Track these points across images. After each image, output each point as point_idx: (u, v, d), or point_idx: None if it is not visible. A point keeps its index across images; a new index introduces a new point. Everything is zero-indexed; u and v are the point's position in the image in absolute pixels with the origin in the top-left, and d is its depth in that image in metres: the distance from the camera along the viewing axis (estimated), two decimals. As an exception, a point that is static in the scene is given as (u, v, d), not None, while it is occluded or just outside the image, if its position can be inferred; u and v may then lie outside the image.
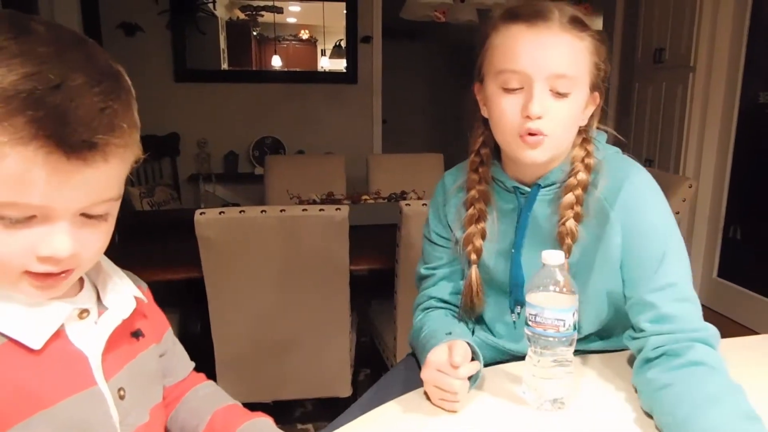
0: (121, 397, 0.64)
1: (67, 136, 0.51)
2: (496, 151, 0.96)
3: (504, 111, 0.86)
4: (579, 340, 0.91)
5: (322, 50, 4.18)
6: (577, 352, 0.83)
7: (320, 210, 1.58)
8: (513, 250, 0.94)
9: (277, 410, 0.77)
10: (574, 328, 0.78)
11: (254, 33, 4.00)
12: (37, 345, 0.57)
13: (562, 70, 0.83)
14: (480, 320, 1.04)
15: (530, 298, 0.79)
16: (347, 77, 4.00)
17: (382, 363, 2.02)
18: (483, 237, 0.96)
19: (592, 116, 0.93)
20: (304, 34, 4.18)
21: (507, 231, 0.95)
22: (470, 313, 1.00)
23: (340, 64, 4.04)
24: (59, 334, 0.59)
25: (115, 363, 0.64)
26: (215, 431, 0.73)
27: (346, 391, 1.84)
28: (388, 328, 1.90)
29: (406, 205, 1.64)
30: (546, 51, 0.83)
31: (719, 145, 3.10)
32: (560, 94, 0.84)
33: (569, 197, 0.89)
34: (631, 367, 0.87)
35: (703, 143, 3.15)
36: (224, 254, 1.58)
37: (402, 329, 1.78)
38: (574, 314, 0.78)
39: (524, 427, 0.77)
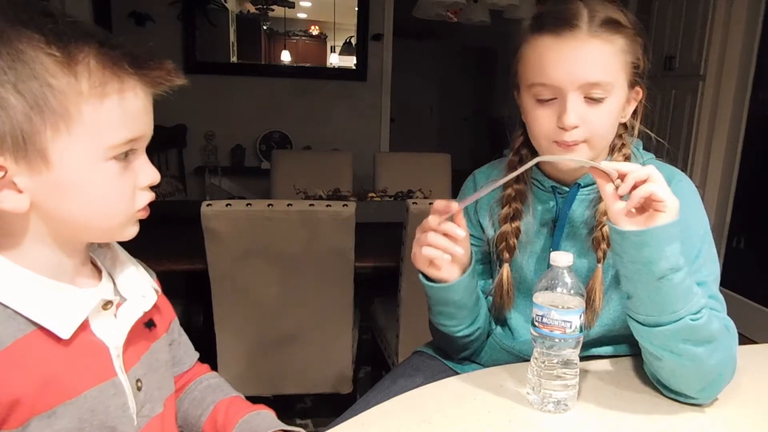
0: (139, 389, 0.65)
1: (146, 66, 0.59)
2: (534, 150, 0.95)
3: (539, 122, 0.86)
4: (586, 344, 0.90)
5: (331, 47, 4.18)
6: (582, 357, 0.83)
7: (327, 206, 1.58)
8: (550, 250, 0.92)
9: (277, 405, 0.77)
10: (581, 330, 0.78)
11: (264, 27, 4.00)
12: (66, 334, 0.57)
13: (593, 78, 0.82)
14: (502, 321, 1.02)
15: (537, 298, 0.79)
16: (357, 74, 3.99)
17: (383, 361, 2.02)
18: (517, 236, 0.95)
19: (634, 112, 0.91)
20: (314, 30, 4.18)
21: (542, 231, 0.95)
22: (498, 312, 0.99)
23: (350, 61, 4.04)
24: (83, 324, 0.60)
25: (132, 354, 0.65)
26: (217, 422, 0.74)
27: (346, 388, 1.84)
28: (390, 327, 1.89)
29: (413, 203, 1.64)
30: (574, 62, 0.82)
31: (726, 155, 3.08)
32: (595, 101, 0.83)
33: None
34: (636, 373, 0.87)
35: (711, 152, 3.14)
36: (230, 247, 1.58)
37: (405, 328, 1.78)
38: (581, 316, 0.77)
39: (527, 429, 0.77)
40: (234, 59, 3.96)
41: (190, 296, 1.86)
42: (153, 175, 0.62)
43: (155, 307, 0.70)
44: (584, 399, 0.82)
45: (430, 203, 1.61)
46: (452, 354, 1.05)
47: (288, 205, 1.56)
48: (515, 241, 0.95)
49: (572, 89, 0.82)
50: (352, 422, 0.79)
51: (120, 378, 0.63)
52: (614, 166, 0.75)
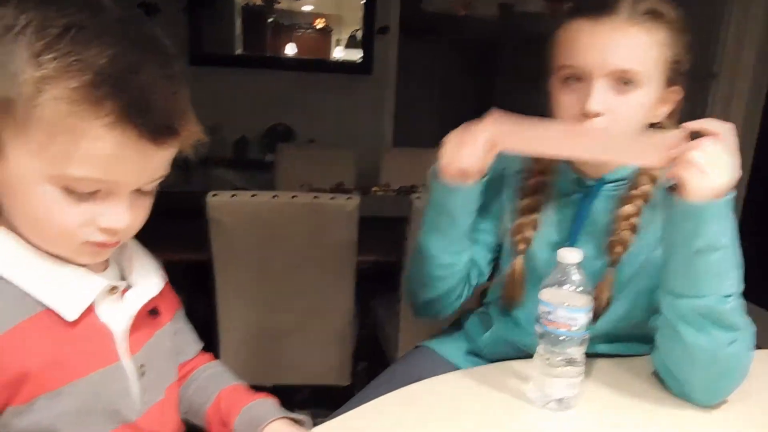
0: (142, 374, 0.65)
1: (151, 122, 0.54)
2: None
3: (563, 107, 0.85)
4: (591, 341, 0.89)
5: (337, 40, 4.16)
6: (586, 354, 0.83)
7: (331, 198, 1.58)
8: (567, 244, 0.89)
9: (276, 395, 0.77)
10: (587, 328, 0.78)
11: (269, 20, 3.99)
12: (72, 317, 0.58)
13: (624, 65, 0.80)
14: (505, 313, 1.01)
15: (544, 295, 0.78)
16: (362, 68, 3.98)
17: (382, 355, 2.01)
18: (534, 228, 0.94)
19: (669, 114, 0.89)
20: (320, 23, 4.16)
21: (561, 223, 0.93)
22: (507, 303, 0.97)
23: (355, 55, 4.02)
24: (89, 309, 0.60)
25: (136, 340, 0.65)
26: (221, 409, 0.74)
27: (344, 381, 1.85)
28: (391, 321, 1.89)
29: (417, 198, 1.63)
30: (607, 46, 0.80)
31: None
32: (624, 91, 0.81)
33: (628, 209, 0.87)
34: (641, 374, 0.86)
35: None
36: (234, 237, 1.58)
37: (406, 323, 1.78)
38: (587, 314, 0.77)
39: (528, 426, 0.77)
40: (239, 51, 3.95)
41: (193, 287, 1.86)
42: (113, 223, 0.58)
43: (160, 295, 0.70)
44: (587, 398, 0.82)
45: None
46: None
47: (292, 197, 1.56)
48: (532, 233, 0.94)
49: (601, 74, 0.80)
50: (351, 414, 0.79)
51: (123, 363, 0.64)
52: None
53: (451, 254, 0.95)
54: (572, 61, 0.82)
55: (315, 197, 1.58)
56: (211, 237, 1.57)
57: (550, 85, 0.88)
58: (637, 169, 0.89)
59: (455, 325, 1.12)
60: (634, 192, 0.88)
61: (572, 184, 0.93)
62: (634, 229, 0.88)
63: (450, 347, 1.06)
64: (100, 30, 0.53)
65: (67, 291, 0.59)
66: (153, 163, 0.58)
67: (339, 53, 4.19)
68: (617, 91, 0.81)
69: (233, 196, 1.53)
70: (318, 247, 1.62)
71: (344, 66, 4.14)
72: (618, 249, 0.88)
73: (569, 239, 0.92)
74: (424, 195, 0.96)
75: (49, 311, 0.58)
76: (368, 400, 0.82)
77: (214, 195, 1.52)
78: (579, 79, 0.83)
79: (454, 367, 1.02)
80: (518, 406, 0.81)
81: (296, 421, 0.71)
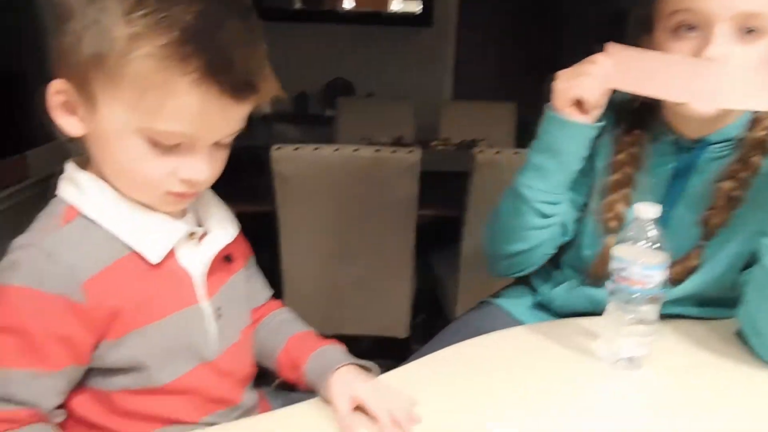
0: (219, 316, 0.68)
1: (234, 79, 0.55)
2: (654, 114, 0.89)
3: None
4: (671, 301, 0.86)
5: (395, -9, 4.05)
6: (664, 315, 0.80)
7: (392, 152, 1.58)
8: (664, 211, 0.80)
9: (337, 344, 0.79)
10: (663, 287, 0.75)
11: (328, -29, 3.92)
12: (155, 259, 0.62)
13: (753, 7, 0.71)
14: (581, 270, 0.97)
15: (618, 250, 0.76)
16: (421, 20, 3.88)
17: (440, 309, 2.03)
18: (627, 204, 0.88)
19: None
20: (379, -26, 4.06)
21: (656, 192, 0.88)
22: (597, 284, 0.91)
23: (414, 6, 3.92)
24: (170, 253, 0.64)
25: (213, 284, 0.68)
26: (291, 354, 0.76)
27: (403, 333, 1.88)
28: (450, 276, 1.90)
29: (479, 152, 1.60)
30: None
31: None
32: (749, 38, 0.73)
33: (728, 184, 0.82)
34: (721, 338, 0.83)
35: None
36: (297, 190, 1.61)
37: (465, 277, 1.78)
38: (663, 272, 0.74)
39: (595, 382, 0.76)
40: (298, 6, 3.92)
41: (257, 238, 1.91)
42: (193, 175, 0.60)
43: (234, 242, 0.72)
44: (658, 358, 0.79)
45: (497, 152, 1.59)
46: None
47: (354, 150, 1.56)
48: (625, 208, 0.88)
49: (723, 18, 0.72)
50: (417, 364, 0.80)
51: (202, 305, 0.67)
52: None
53: (550, 203, 0.90)
54: (689, 3, 0.74)
55: (376, 150, 1.58)
56: (275, 189, 1.61)
57: (650, 40, 0.82)
58: (743, 133, 0.82)
59: (519, 280, 1.11)
60: (735, 167, 0.82)
61: (670, 146, 0.87)
62: (734, 204, 0.82)
63: (515, 303, 1.05)
64: None
65: (151, 235, 0.62)
66: (233, 118, 0.60)
67: (397, 5, 4.09)
68: (739, 39, 0.73)
69: (296, 149, 1.55)
70: (379, 200, 1.63)
71: (403, 18, 4.05)
72: (714, 223, 0.83)
73: (665, 206, 0.86)
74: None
75: (135, 254, 0.61)
76: (434, 352, 0.83)
77: (277, 148, 1.55)
78: (693, 26, 0.75)
79: (519, 323, 1.01)
80: (587, 362, 0.80)
81: (364, 368, 0.72)
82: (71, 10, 0.55)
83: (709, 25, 0.74)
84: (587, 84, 0.81)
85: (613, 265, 0.76)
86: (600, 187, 0.93)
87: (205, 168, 0.60)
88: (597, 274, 0.92)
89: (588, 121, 0.85)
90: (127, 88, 0.54)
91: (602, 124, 0.87)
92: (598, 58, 0.81)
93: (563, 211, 0.94)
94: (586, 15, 4.53)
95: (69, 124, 0.59)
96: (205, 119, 0.57)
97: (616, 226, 0.89)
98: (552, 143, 0.87)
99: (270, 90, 0.61)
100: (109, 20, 0.53)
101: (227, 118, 0.59)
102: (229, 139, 0.62)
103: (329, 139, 2.75)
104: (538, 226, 0.92)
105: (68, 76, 0.57)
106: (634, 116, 0.91)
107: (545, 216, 0.91)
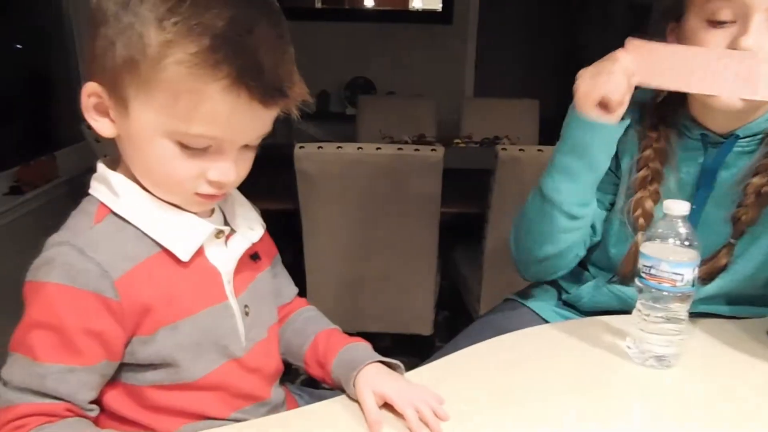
0: (246, 314, 0.69)
1: (264, 85, 0.56)
2: (682, 107, 0.87)
3: (708, 47, 0.76)
4: (701, 299, 0.85)
5: (416, -12, 4.04)
6: (694, 314, 0.79)
7: (415, 150, 1.58)
8: (690, 216, 0.79)
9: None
10: (693, 285, 0.74)
11: (348, -30, 3.93)
12: (185, 257, 0.63)
13: None
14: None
15: (646, 248, 0.75)
16: (442, 17, 3.86)
17: (463, 307, 2.03)
18: (655, 201, 0.87)
19: None
20: (399, -28, 4.05)
21: (684, 189, 0.87)
22: (626, 283, 0.91)
23: (435, 4, 3.91)
24: (199, 251, 0.65)
25: (241, 282, 0.70)
26: (318, 351, 0.77)
27: (427, 330, 1.88)
28: (473, 273, 1.89)
29: (503, 149, 1.59)
30: None
31: None
32: None
33: (759, 180, 0.80)
34: (755, 338, 0.81)
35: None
36: (320, 188, 1.62)
37: (488, 275, 1.77)
38: (694, 270, 0.73)
39: (625, 380, 0.75)
40: (318, 4, 3.94)
41: (280, 235, 1.93)
42: (221, 177, 0.61)
43: (261, 241, 0.73)
44: (690, 358, 0.79)
45: (521, 149, 1.58)
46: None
47: (377, 148, 1.57)
48: (653, 205, 0.87)
49: (762, 8, 0.71)
50: (444, 362, 0.80)
51: (230, 301, 0.68)
52: None
53: (580, 204, 0.89)
54: None
55: (399, 149, 1.58)
56: (298, 187, 1.62)
57: (681, 28, 0.80)
58: None
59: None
60: (765, 161, 0.80)
61: (697, 142, 0.86)
62: (764, 200, 0.80)
63: (540, 301, 1.04)
64: None
65: (180, 233, 0.63)
66: (262, 122, 0.61)
67: (418, 3, 4.08)
68: None
69: (319, 148, 1.56)
70: (402, 198, 1.63)
71: (424, 16, 4.04)
72: (744, 220, 0.82)
73: (694, 203, 0.85)
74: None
75: (165, 252, 0.63)
76: (459, 349, 0.82)
77: (300, 147, 1.56)
78: (727, 17, 0.74)
79: (544, 322, 1.00)
80: (615, 361, 0.79)
81: (390, 366, 0.73)
82: (106, 16, 0.56)
83: (747, 16, 0.73)
84: (610, 83, 0.79)
85: (642, 262, 0.75)
86: (626, 185, 0.91)
87: (233, 170, 0.62)
88: (625, 272, 0.91)
89: (613, 121, 0.83)
90: (159, 93, 0.55)
91: (627, 122, 0.86)
92: (618, 54, 0.79)
93: (593, 212, 0.92)
94: (608, 8, 4.46)
95: (101, 125, 0.61)
96: (234, 124, 0.58)
97: (644, 223, 0.88)
98: (578, 145, 0.86)
99: (298, 94, 0.61)
100: (142, 26, 0.54)
101: (256, 122, 0.60)
102: (256, 142, 0.63)
103: (350, 138, 2.76)
104: (568, 229, 0.90)
105: (101, 79, 0.58)
106: (658, 112, 0.90)
107: (575, 218, 0.90)
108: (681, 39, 0.81)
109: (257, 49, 0.55)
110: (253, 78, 0.55)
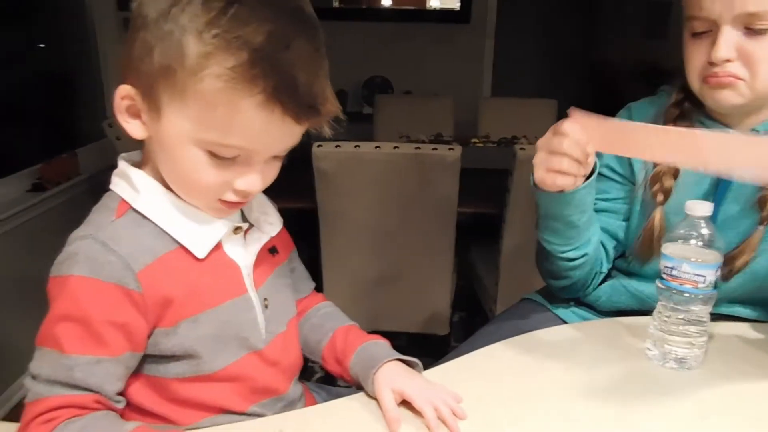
0: (266, 306, 0.70)
1: (298, 103, 0.57)
2: (697, 102, 0.88)
3: (689, 57, 0.82)
4: (721, 300, 0.84)
5: (433, -12, 4.03)
6: (716, 316, 0.78)
7: (433, 149, 1.57)
8: (712, 198, 0.83)
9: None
10: (715, 287, 0.73)
11: (365, -31, 3.93)
12: (201, 254, 0.64)
13: (753, 8, 0.75)
14: (633, 266, 0.95)
15: (667, 249, 0.74)
16: (460, 16, 3.85)
17: (478, 307, 2.02)
18: (675, 176, 0.88)
19: None
20: (417, -29, 4.04)
21: (707, 176, 0.87)
22: (643, 259, 0.91)
23: (453, 3, 3.90)
24: (217, 246, 0.66)
25: (260, 275, 0.70)
26: (336, 348, 0.77)
27: (443, 330, 1.88)
28: (489, 274, 1.89)
29: (521, 149, 1.58)
30: None
31: None
32: (757, 33, 0.76)
33: None
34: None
35: None
36: (338, 187, 1.62)
37: (505, 275, 1.77)
38: (716, 271, 0.72)
39: (646, 382, 0.74)
40: (336, 4, 3.95)
41: (297, 234, 1.94)
42: (247, 186, 0.62)
43: (278, 235, 0.74)
44: (711, 360, 0.78)
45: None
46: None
47: (394, 147, 1.57)
48: (672, 182, 0.87)
49: (727, 21, 0.76)
50: (461, 361, 0.80)
51: (250, 294, 0.69)
52: None
53: (576, 249, 0.90)
54: (697, 11, 0.79)
55: (417, 148, 1.58)
56: (315, 186, 1.63)
57: (684, 40, 0.84)
58: None
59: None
60: None
61: None
62: None
63: (557, 301, 1.04)
64: (259, 3, 0.55)
65: (197, 231, 0.64)
66: (292, 136, 0.61)
67: (436, 2, 4.07)
68: (749, 35, 0.77)
69: (337, 146, 1.56)
70: (419, 197, 1.63)
71: (441, 15, 4.03)
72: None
73: (715, 193, 0.85)
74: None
75: (183, 248, 0.64)
76: (476, 349, 0.82)
77: (318, 146, 1.56)
78: (705, 27, 0.79)
79: (562, 322, 1.00)
80: (635, 362, 0.78)
81: (408, 364, 0.73)
82: (146, 21, 0.57)
83: (716, 28, 0.77)
84: (563, 163, 0.77)
85: (664, 263, 0.75)
86: (646, 162, 0.91)
87: (259, 181, 0.62)
88: (644, 250, 0.90)
89: (575, 186, 0.81)
90: (193, 103, 0.56)
91: (594, 179, 0.83)
92: (565, 128, 0.75)
93: (597, 242, 0.93)
94: (627, 6, 4.41)
95: (132, 127, 0.61)
96: (265, 137, 0.59)
97: (662, 200, 0.88)
98: (548, 210, 0.87)
99: (331, 111, 0.62)
100: (182, 35, 0.54)
101: (286, 136, 0.60)
102: (285, 152, 0.64)
103: (368, 137, 2.77)
104: (571, 267, 0.93)
105: (136, 82, 0.59)
106: (678, 109, 0.89)
107: (574, 260, 0.91)
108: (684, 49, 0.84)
109: (293, 65, 0.56)
110: (288, 95, 0.56)
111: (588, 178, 0.82)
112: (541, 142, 0.80)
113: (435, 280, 1.78)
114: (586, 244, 0.90)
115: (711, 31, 0.79)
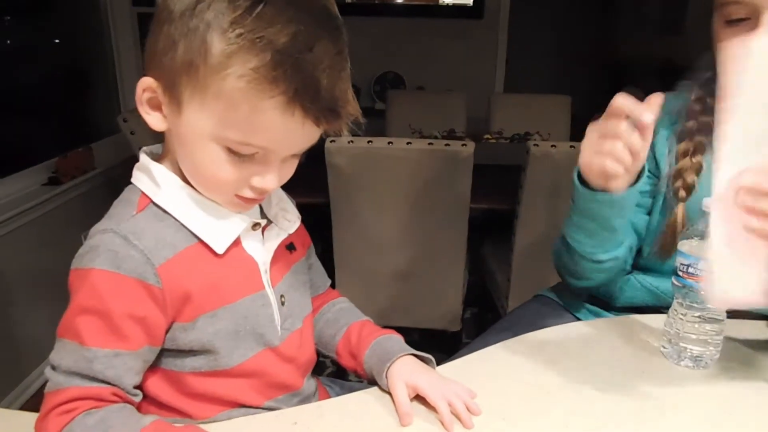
0: (282, 303, 0.71)
1: (318, 106, 0.57)
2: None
3: (725, 47, 0.74)
4: None
5: (447, -17, 4.01)
6: (739, 314, 0.77)
7: (446, 145, 1.57)
8: None
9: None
10: (732, 284, 0.72)
11: (379, -36, 3.92)
12: (220, 249, 0.65)
13: None
14: (651, 261, 0.93)
15: (684, 246, 0.74)
16: (473, 12, 3.84)
17: (490, 303, 2.02)
18: (698, 172, 0.85)
19: None
20: (430, -34, 4.02)
21: None
22: (663, 254, 0.89)
23: (465, -2, 3.88)
24: (236, 242, 0.66)
25: (277, 272, 0.71)
26: (351, 343, 0.78)
27: (455, 326, 1.88)
28: (501, 270, 1.88)
29: (534, 145, 1.58)
30: None
31: None
32: None
33: None
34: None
35: None
36: (351, 182, 1.63)
37: (517, 271, 1.76)
38: (733, 269, 0.71)
39: (661, 380, 0.74)
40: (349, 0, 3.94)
41: (310, 229, 1.95)
42: (264, 183, 0.62)
43: (296, 232, 0.74)
44: (727, 359, 0.77)
45: (553, 146, 1.56)
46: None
47: (407, 143, 1.57)
48: (695, 178, 0.86)
49: None
50: (474, 356, 0.80)
51: (267, 291, 0.69)
52: None
53: (606, 252, 0.86)
54: None
55: (430, 143, 1.58)
56: (328, 181, 1.63)
57: (713, 27, 0.79)
58: None
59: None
60: None
61: None
62: None
63: (571, 297, 1.03)
64: (285, 3, 0.55)
65: (217, 227, 0.65)
66: (311, 137, 0.61)
67: (448, -3, 4.05)
68: None
69: (350, 142, 1.56)
70: (432, 193, 1.63)
71: (454, 10, 4.02)
72: None
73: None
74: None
75: (202, 243, 0.64)
76: (490, 345, 0.82)
77: (331, 141, 1.57)
78: (744, 13, 0.74)
79: (575, 319, 0.99)
80: (650, 359, 0.78)
81: (422, 359, 0.73)
82: (171, 15, 0.57)
83: (758, 13, 0.72)
84: (616, 143, 0.71)
85: (680, 261, 0.74)
86: (669, 153, 0.89)
87: (276, 178, 0.63)
88: (663, 248, 0.89)
89: (622, 189, 0.77)
90: (213, 100, 0.56)
91: (641, 184, 0.79)
92: (620, 129, 0.70)
93: (629, 246, 0.90)
94: (641, 3, 4.37)
95: (153, 119, 0.62)
96: (284, 137, 0.59)
97: (684, 196, 0.86)
98: (586, 209, 0.83)
99: (351, 113, 0.62)
100: (206, 32, 0.54)
101: (306, 137, 0.61)
102: (302, 151, 0.64)
103: (380, 132, 2.77)
104: (597, 270, 0.90)
105: (158, 75, 0.59)
106: (700, 104, 0.87)
107: (601, 262, 0.88)
108: (712, 38, 0.80)
109: (316, 67, 0.55)
110: (309, 98, 0.56)
111: (636, 180, 0.77)
112: (592, 125, 0.75)
113: (447, 276, 1.78)
114: (618, 246, 0.87)
115: (749, 19, 0.73)
